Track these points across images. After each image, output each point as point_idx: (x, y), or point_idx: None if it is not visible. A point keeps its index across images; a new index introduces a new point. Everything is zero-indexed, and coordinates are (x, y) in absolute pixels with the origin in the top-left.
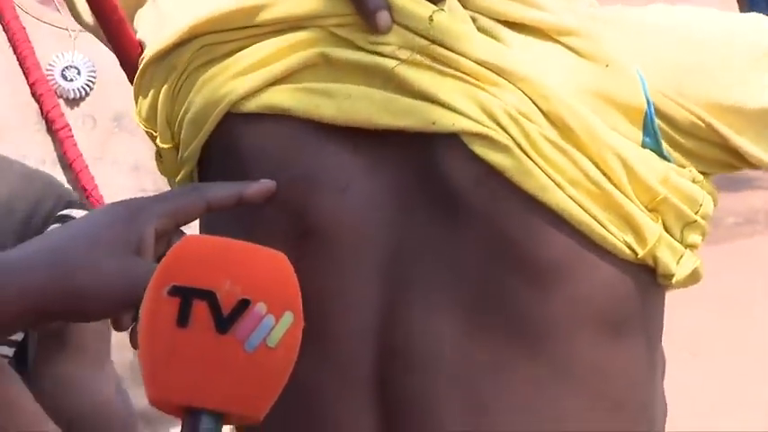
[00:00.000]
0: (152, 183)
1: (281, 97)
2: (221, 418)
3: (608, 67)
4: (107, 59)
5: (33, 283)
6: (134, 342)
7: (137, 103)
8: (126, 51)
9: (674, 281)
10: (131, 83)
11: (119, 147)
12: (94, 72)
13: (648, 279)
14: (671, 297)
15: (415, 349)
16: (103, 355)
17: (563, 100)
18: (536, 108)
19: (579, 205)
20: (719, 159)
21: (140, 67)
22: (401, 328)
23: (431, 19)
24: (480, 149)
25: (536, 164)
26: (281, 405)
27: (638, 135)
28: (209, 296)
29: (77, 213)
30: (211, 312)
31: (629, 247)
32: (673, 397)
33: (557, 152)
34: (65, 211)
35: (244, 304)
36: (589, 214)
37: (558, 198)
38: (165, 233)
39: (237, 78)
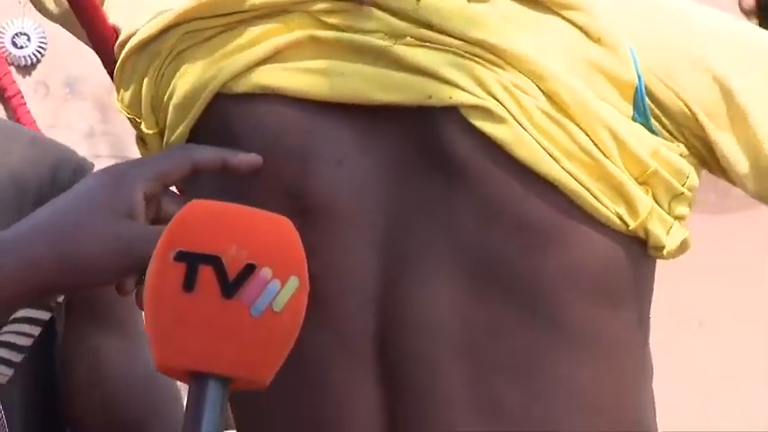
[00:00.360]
0: (106, 148)
1: (271, 77)
2: (228, 383)
3: (601, 39)
4: (58, 26)
5: (32, 259)
6: (140, 303)
7: (118, 92)
8: (102, 38)
9: (664, 252)
10: (107, 70)
11: (72, 113)
12: (45, 38)
13: (639, 251)
14: (680, 266)
15: (414, 317)
16: (133, 323)
17: (559, 78)
18: (531, 82)
19: (573, 177)
20: (697, 152)
21: (121, 58)
22: (401, 297)
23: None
24: (478, 121)
25: (532, 136)
26: (282, 376)
27: (629, 109)
28: (214, 261)
29: None
30: (217, 277)
31: (621, 219)
32: (680, 365)
33: (552, 124)
34: None
35: (249, 269)
36: (582, 186)
37: (552, 170)
38: (155, 196)
39: (224, 60)
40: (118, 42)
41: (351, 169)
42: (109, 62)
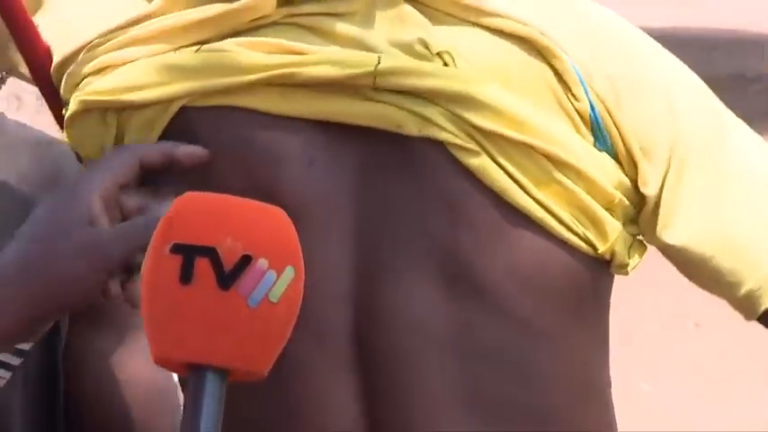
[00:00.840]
0: None
1: (238, 100)
2: (226, 375)
3: (557, 66)
4: None
5: (13, 297)
6: (130, 300)
7: (69, 138)
8: (38, 59)
9: (627, 269)
10: (43, 93)
11: (45, 125)
12: None
13: (603, 268)
14: (676, 268)
15: (392, 315)
16: (133, 324)
17: (525, 120)
18: (498, 119)
19: (542, 206)
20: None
21: (67, 119)
22: (377, 295)
23: (376, 71)
24: (448, 146)
25: (501, 166)
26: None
27: (591, 138)
28: (210, 253)
29: None
30: (214, 269)
31: (590, 243)
32: (677, 366)
33: (521, 155)
34: None
35: (245, 260)
36: (551, 214)
37: (520, 199)
38: (112, 198)
39: (191, 80)
40: (53, 67)
41: (322, 170)
42: (45, 85)
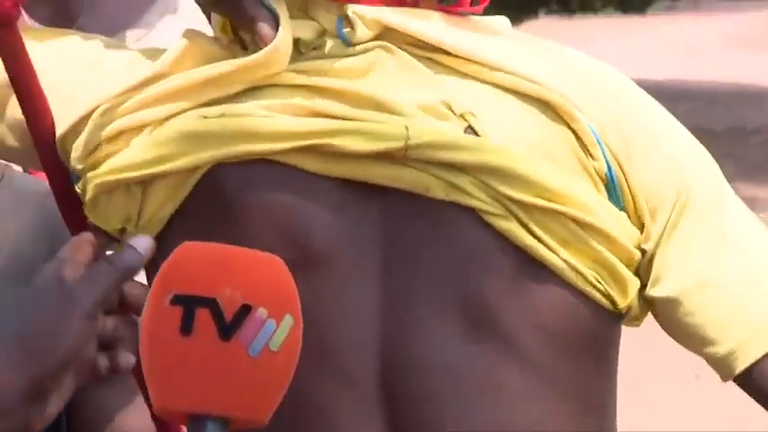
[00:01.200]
0: None
1: (268, 154)
2: (227, 424)
3: (574, 126)
4: None
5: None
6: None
7: (89, 211)
8: (46, 128)
9: (639, 322)
10: (45, 164)
11: None
12: None
13: (617, 320)
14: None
15: (418, 358)
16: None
17: (553, 187)
18: (528, 189)
19: (569, 265)
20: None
21: (90, 200)
22: (401, 338)
23: (407, 145)
24: (477, 210)
25: (528, 229)
26: (286, 422)
27: (606, 196)
28: (211, 304)
29: None
30: (214, 320)
31: (611, 299)
32: (679, 419)
33: (550, 220)
34: None
35: (245, 310)
36: (576, 272)
37: (546, 256)
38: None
39: (222, 144)
40: (58, 137)
41: (350, 220)
42: (49, 156)
